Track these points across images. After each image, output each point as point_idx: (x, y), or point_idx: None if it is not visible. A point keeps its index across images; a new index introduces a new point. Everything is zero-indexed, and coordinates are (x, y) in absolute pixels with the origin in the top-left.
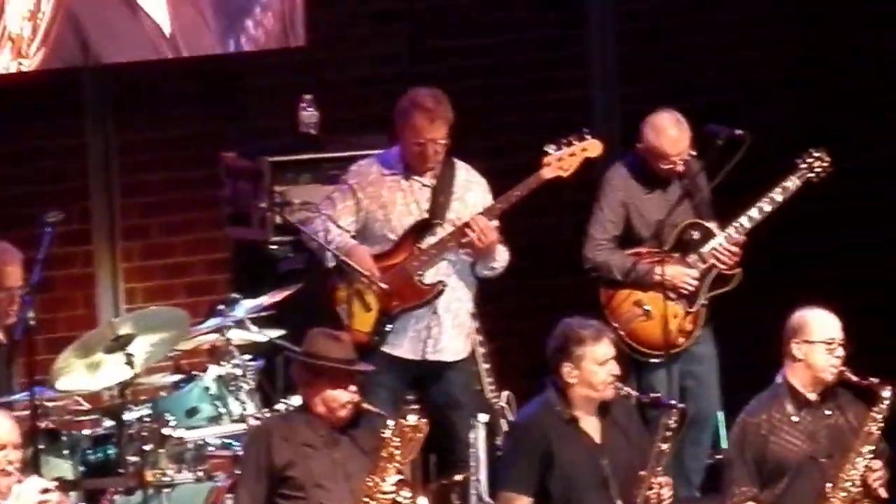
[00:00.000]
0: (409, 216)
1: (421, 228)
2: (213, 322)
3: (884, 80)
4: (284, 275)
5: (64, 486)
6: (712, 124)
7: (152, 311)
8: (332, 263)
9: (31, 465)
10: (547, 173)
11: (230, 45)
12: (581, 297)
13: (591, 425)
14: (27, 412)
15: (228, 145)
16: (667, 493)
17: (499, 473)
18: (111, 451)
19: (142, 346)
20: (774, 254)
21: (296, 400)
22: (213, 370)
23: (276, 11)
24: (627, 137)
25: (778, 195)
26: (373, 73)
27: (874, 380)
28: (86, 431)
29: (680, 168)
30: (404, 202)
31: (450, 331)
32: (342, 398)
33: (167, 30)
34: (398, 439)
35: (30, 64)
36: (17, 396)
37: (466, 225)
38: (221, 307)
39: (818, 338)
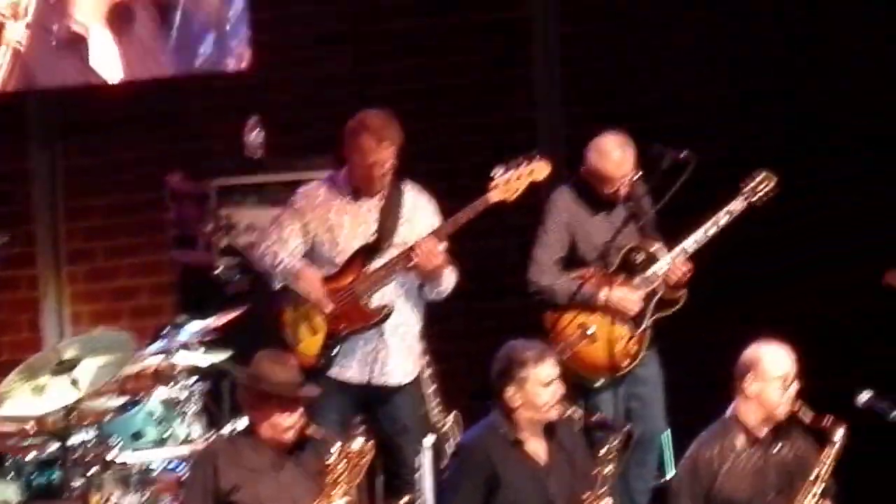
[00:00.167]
0: (357, 239)
1: (368, 251)
2: (158, 345)
3: (828, 101)
4: (230, 297)
5: None
6: (657, 146)
7: (98, 335)
8: (278, 286)
9: None
10: (494, 196)
11: (175, 68)
12: (527, 320)
13: (536, 447)
14: None
15: (174, 169)
16: None
17: (444, 496)
18: (56, 474)
19: (87, 370)
20: (718, 276)
21: (242, 423)
22: (159, 393)
23: (221, 34)
24: (572, 160)
25: (722, 218)
26: (318, 95)
27: (828, 420)
28: (30, 455)
29: (624, 190)
30: (352, 225)
31: (397, 354)
32: (287, 422)
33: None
34: (344, 464)
35: None
36: None
37: (414, 248)
38: (167, 330)
39: (773, 375)
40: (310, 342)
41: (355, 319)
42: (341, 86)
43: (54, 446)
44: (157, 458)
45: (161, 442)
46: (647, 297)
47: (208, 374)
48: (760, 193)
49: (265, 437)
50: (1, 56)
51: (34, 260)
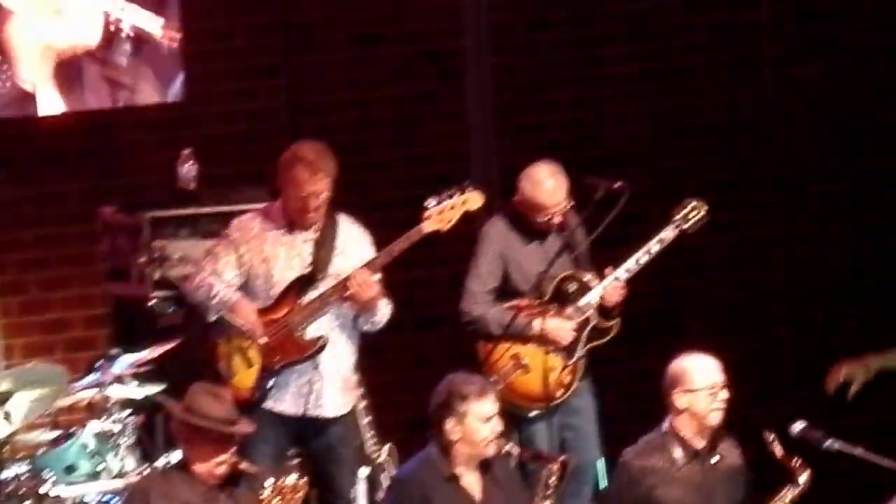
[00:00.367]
0: (292, 271)
1: (303, 283)
2: (92, 378)
3: (757, 132)
4: (164, 330)
5: None
6: (591, 177)
7: (31, 368)
8: (213, 318)
9: None
10: (427, 227)
11: (107, 100)
12: (460, 351)
13: (471, 482)
14: None
15: (106, 201)
16: None
17: None
18: None
19: (20, 403)
20: (651, 305)
21: (175, 456)
22: (93, 426)
23: (153, 66)
24: (506, 190)
25: (654, 246)
26: (251, 127)
27: (796, 461)
28: None
29: (557, 220)
30: (287, 257)
31: (332, 386)
32: (221, 457)
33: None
34: (277, 499)
35: None
36: None
37: (348, 279)
38: (100, 363)
39: (700, 385)
40: (244, 375)
41: (290, 352)
42: (274, 118)
43: None
44: (90, 492)
45: (95, 475)
46: (580, 327)
47: (142, 407)
48: (692, 221)
49: (198, 472)
50: None
51: None
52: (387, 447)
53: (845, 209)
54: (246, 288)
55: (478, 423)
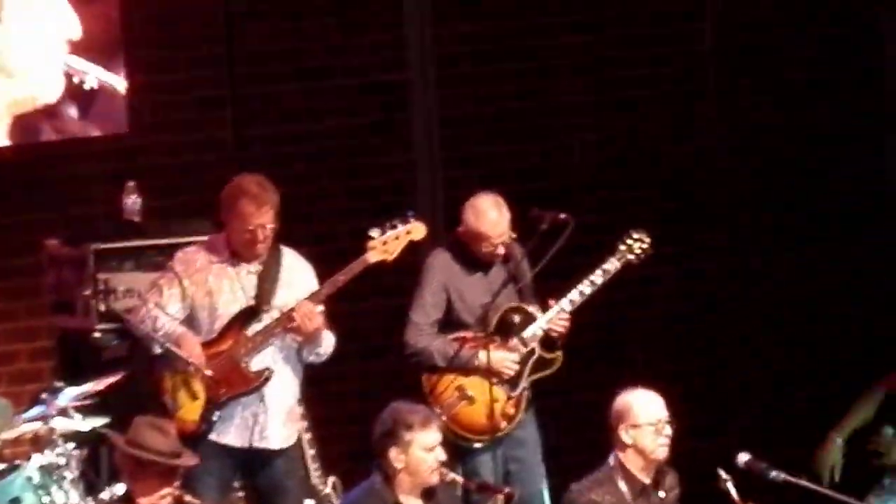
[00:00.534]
0: (236, 303)
1: (247, 315)
2: (36, 411)
3: (703, 163)
4: (109, 362)
5: None
6: (536, 209)
7: None
8: (158, 351)
9: None
10: (371, 257)
11: (51, 132)
12: (404, 382)
13: None
14: None
15: (51, 233)
16: None
17: None
18: None
19: None
20: (595, 336)
21: (120, 489)
22: (37, 459)
23: (98, 97)
24: (452, 222)
25: (598, 277)
26: (197, 159)
27: None
28: None
29: (501, 251)
30: (231, 289)
31: (277, 418)
32: (165, 490)
33: None
34: None
35: None
36: None
37: (292, 311)
38: (45, 395)
39: (644, 420)
40: (190, 408)
41: (235, 384)
42: (220, 150)
43: None
44: None
45: None
46: (524, 359)
47: (87, 440)
48: (636, 252)
49: None
50: None
51: None
52: (331, 479)
53: (792, 240)
54: (190, 321)
55: (422, 452)
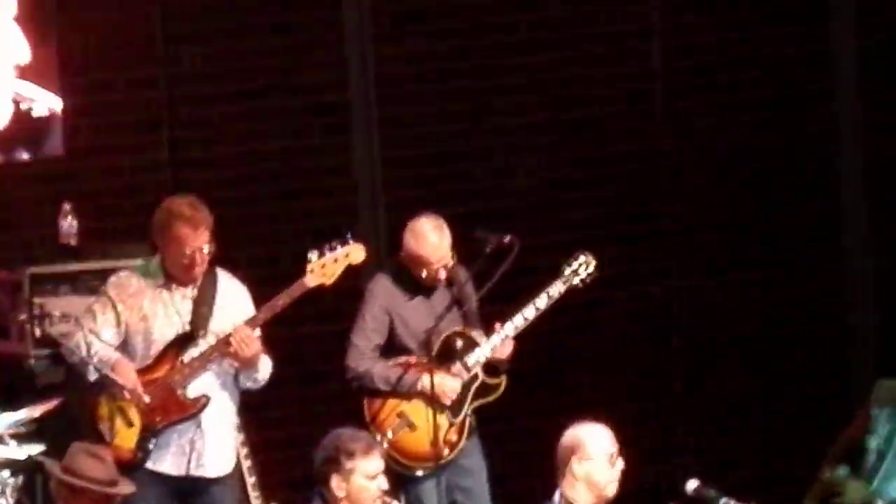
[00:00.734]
0: (172, 328)
1: (183, 341)
2: None
3: (652, 183)
4: (44, 388)
5: None
6: (480, 231)
7: None
8: (93, 378)
9: None
10: (310, 281)
11: None
12: (346, 407)
13: None
14: None
15: None
16: None
17: None
18: None
19: None
20: (541, 361)
21: None
22: None
23: (34, 120)
24: (394, 245)
25: (543, 301)
26: (133, 181)
27: None
28: None
29: (442, 275)
30: (166, 314)
31: (214, 444)
32: None
33: None
34: None
35: None
36: None
37: (229, 336)
38: None
39: (596, 454)
40: (125, 435)
41: (172, 411)
42: (157, 172)
43: None
44: None
45: None
46: (467, 385)
47: (22, 468)
48: (581, 276)
49: None
50: None
51: None
52: None
53: (743, 261)
54: (125, 346)
55: (363, 480)
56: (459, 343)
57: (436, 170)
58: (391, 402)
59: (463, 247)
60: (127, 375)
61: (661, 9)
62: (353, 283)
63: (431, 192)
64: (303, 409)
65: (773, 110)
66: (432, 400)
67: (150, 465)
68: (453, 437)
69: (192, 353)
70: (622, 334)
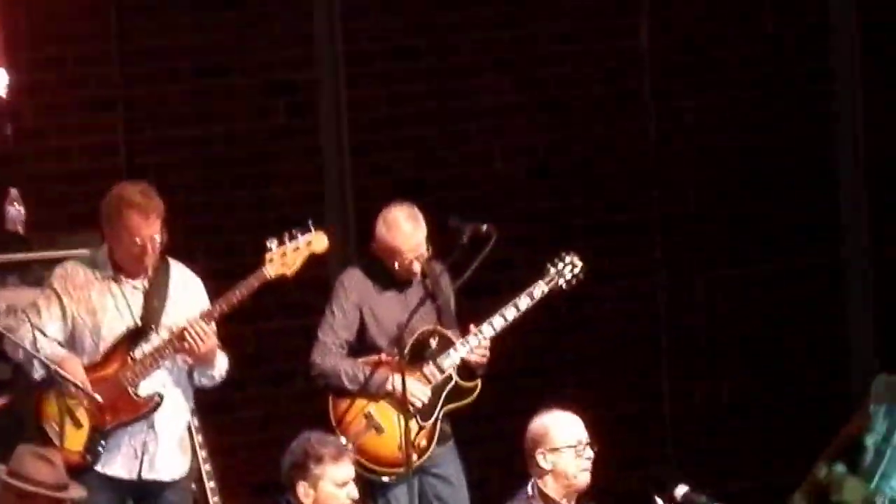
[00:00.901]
0: (121, 322)
1: (134, 336)
2: None
3: (637, 171)
4: None
5: None
6: (456, 219)
7: None
8: (39, 375)
9: None
10: (269, 271)
11: None
12: (314, 408)
13: None
14: None
15: None
16: None
17: None
18: None
19: None
20: (520, 359)
21: None
22: None
23: None
24: (364, 234)
25: (524, 302)
26: (85, 165)
27: None
28: None
29: (417, 268)
30: (115, 307)
31: (168, 446)
32: None
33: None
34: None
35: None
36: None
37: (183, 330)
38: None
39: (563, 443)
40: (74, 437)
41: (123, 411)
42: (111, 155)
43: None
44: None
45: None
46: (440, 388)
47: None
48: (567, 277)
49: None
50: None
51: None
52: None
53: (735, 255)
54: (72, 342)
55: (332, 487)
56: (433, 343)
57: (408, 154)
58: (358, 402)
59: (437, 237)
60: (74, 373)
61: None
62: (320, 275)
63: (403, 178)
64: (267, 410)
65: (769, 92)
66: (401, 402)
67: (99, 468)
68: (423, 442)
69: (144, 348)
70: (607, 332)
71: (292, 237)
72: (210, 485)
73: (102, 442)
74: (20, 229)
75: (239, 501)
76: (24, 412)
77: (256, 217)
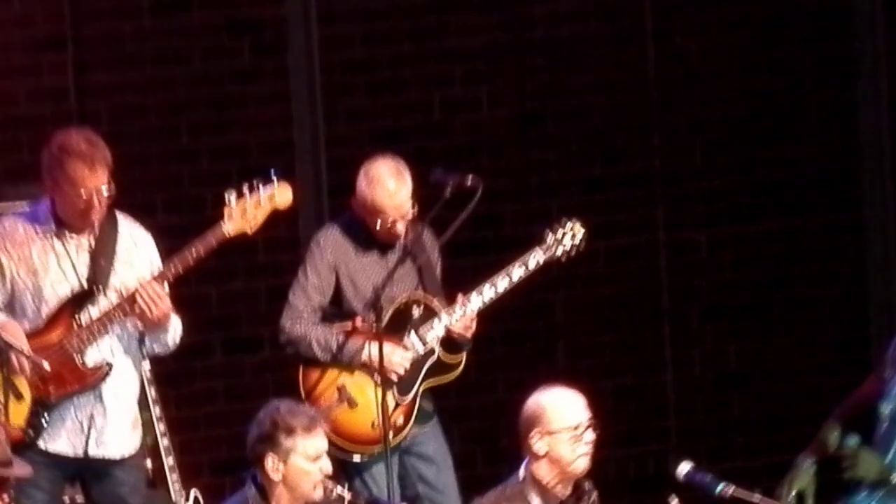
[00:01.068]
0: (66, 284)
1: (80, 299)
2: None
3: (636, 118)
4: None
5: None
6: (438, 171)
7: None
8: None
9: None
10: (228, 228)
11: None
12: (282, 378)
13: None
14: None
15: None
16: None
17: None
18: None
19: None
20: (510, 324)
21: None
22: None
23: None
24: (336, 187)
25: (517, 271)
26: (32, 111)
27: None
28: None
29: (400, 229)
30: (59, 267)
31: (117, 420)
32: None
33: None
34: None
35: None
36: None
37: (134, 293)
38: None
39: (561, 426)
40: (15, 410)
41: (68, 381)
42: (60, 99)
43: None
44: None
45: None
46: (420, 361)
47: None
48: (566, 246)
49: None
50: None
51: None
52: (193, 492)
53: (743, 211)
54: (11, 306)
55: (304, 461)
56: (416, 312)
57: (386, 99)
58: (331, 373)
59: (417, 190)
60: (14, 340)
61: None
62: (291, 232)
63: (380, 126)
64: (231, 380)
65: (782, 31)
66: (379, 374)
67: (42, 444)
68: (399, 419)
69: (91, 312)
70: (602, 294)
71: (253, 190)
72: (168, 461)
73: (45, 416)
74: None
75: (200, 479)
76: None
77: (220, 168)
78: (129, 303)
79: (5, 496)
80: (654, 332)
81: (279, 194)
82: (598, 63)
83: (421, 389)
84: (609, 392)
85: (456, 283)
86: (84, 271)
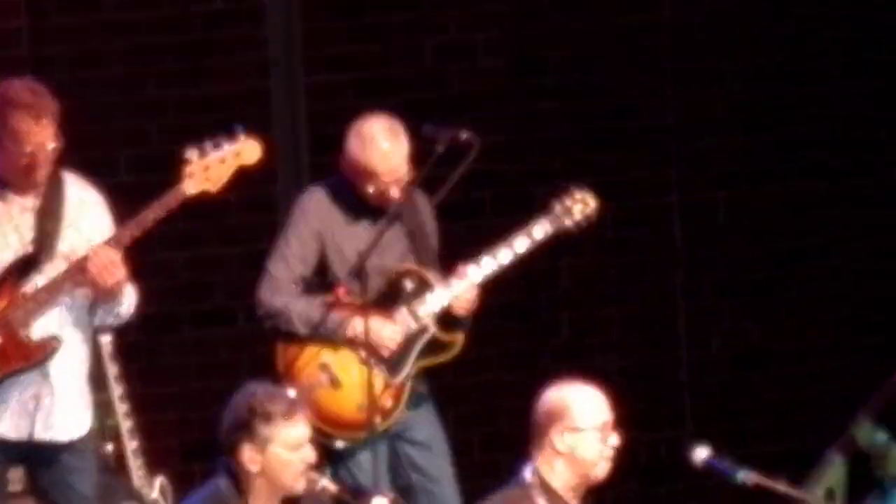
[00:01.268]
0: (8, 249)
1: (24, 266)
2: None
3: (648, 63)
4: None
5: None
6: (429, 126)
7: None
8: None
9: None
10: (189, 187)
11: None
12: (258, 355)
13: None
14: None
15: None
16: None
17: None
18: None
19: None
20: (513, 296)
21: None
22: None
23: None
24: (318, 144)
25: (522, 243)
26: None
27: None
28: None
29: (395, 194)
30: (1, 232)
31: (66, 400)
32: None
33: None
34: None
35: None
36: None
37: (85, 259)
38: None
39: (587, 424)
40: None
41: (11, 358)
42: (12, 45)
43: None
44: None
45: None
46: (413, 338)
47: None
48: (576, 217)
49: None
50: None
51: None
52: (159, 480)
53: (762, 171)
54: None
55: (283, 451)
56: (409, 285)
57: (372, 46)
58: (311, 349)
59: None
60: None
61: None
62: (268, 192)
63: (367, 74)
64: (202, 356)
65: None
66: (367, 351)
67: None
68: (388, 402)
69: (37, 281)
70: (610, 262)
71: (217, 146)
72: (132, 445)
73: None
74: None
75: (168, 465)
76: None
77: (190, 121)
78: (79, 270)
79: None
80: (666, 305)
81: (246, 150)
82: (605, 5)
83: (414, 370)
84: (617, 371)
85: (449, 249)
86: (28, 235)
